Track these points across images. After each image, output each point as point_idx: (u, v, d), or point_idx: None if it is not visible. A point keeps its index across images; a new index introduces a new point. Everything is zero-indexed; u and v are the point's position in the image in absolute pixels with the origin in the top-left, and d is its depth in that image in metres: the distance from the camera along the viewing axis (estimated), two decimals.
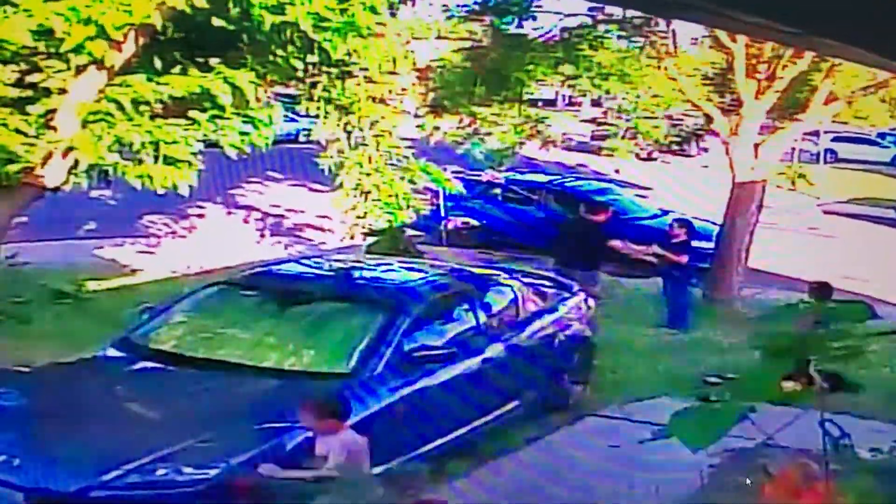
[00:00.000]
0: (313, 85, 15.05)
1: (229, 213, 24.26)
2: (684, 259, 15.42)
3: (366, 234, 16.91)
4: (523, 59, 18.33)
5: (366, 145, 16.48)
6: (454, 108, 19.52)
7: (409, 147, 18.00)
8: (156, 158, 11.37)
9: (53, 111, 11.18)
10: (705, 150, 32.88)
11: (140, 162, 11.45)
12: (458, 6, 18.99)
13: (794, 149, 31.31)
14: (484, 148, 20.40)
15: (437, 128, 20.10)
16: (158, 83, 11.37)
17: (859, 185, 35.30)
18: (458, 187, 18.29)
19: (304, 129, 24.00)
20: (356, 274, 11.28)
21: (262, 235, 22.44)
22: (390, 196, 16.47)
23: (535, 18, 18.40)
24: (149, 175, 11.46)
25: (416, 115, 20.51)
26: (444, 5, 19.28)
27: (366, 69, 14.83)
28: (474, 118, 19.58)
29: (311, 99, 15.60)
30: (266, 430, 7.99)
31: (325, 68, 14.37)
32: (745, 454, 8.58)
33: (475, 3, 18.54)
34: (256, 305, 10.09)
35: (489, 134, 19.91)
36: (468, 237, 22.26)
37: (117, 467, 7.46)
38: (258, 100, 12.30)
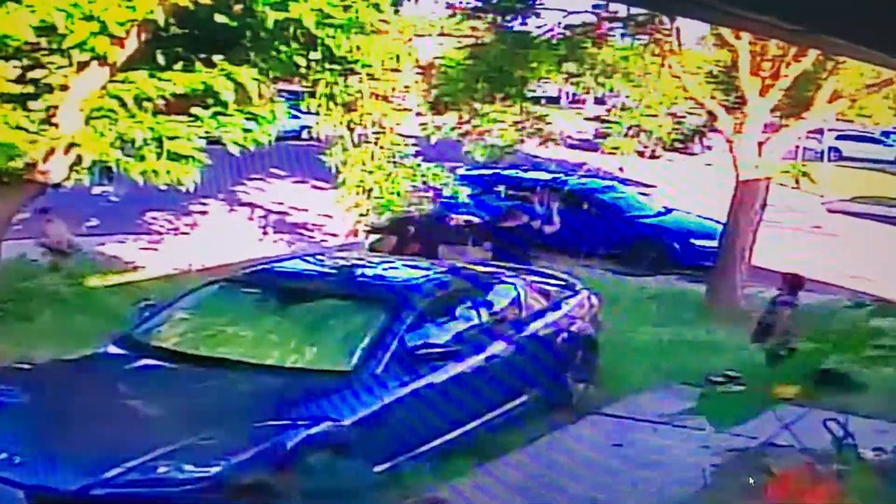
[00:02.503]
0: (315, 82, 15.05)
1: (231, 210, 24.26)
2: None
3: (368, 232, 16.91)
4: (526, 57, 18.29)
5: (368, 143, 16.49)
6: (456, 106, 19.50)
7: (414, 145, 18.01)
8: (158, 154, 11.37)
9: (55, 107, 11.18)
10: (709, 148, 32.86)
11: (143, 158, 11.45)
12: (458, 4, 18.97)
13: (797, 147, 31.27)
14: (484, 145, 20.38)
15: (438, 127, 20.09)
16: (161, 79, 11.36)
17: (863, 184, 35.24)
18: (458, 190, 18.33)
19: (306, 126, 23.98)
20: (358, 271, 11.26)
21: (265, 233, 22.44)
22: (392, 194, 16.48)
23: (538, 16, 18.37)
24: (153, 170, 11.46)
25: (419, 113, 20.52)
26: (447, 3, 19.25)
27: (369, 66, 14.83)
28: (475, 115, 19.56)
29: (313, 96, 15.61)
30: (267, 427, 7.97)
31: (327, 65, 14.36)
32: (749, 453, 8.57)
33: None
34: (258, 303, 10.07)
35: (489, 131, 19.89)
36: (471, 234, 22.21)
37: (118, 465, 7.44)
38: (261, 96, 12.29)
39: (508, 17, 18.39)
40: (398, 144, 17.31)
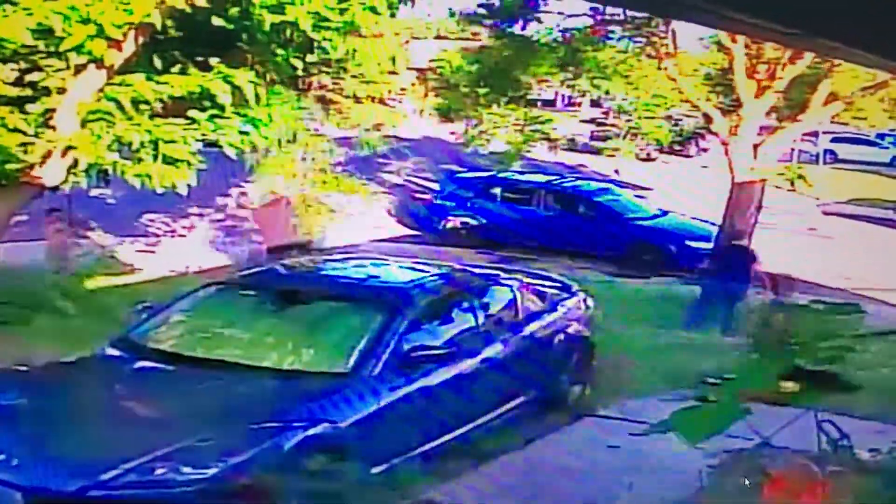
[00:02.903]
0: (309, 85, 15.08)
1: (228, 212, 24.23)
2: None
3: None
4: (528, 61, 18.32)
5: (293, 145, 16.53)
6: (463, 112, 19.55)
7: (406, 147, 18.08)
8: (155, 157, 11.37)
9: (52, 110, 11.19)
10: (705, 150, 32.92)
11: (139, 161, 11.46)
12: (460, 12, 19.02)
13: (793, 149, 31.28)
14: (490, 149, 20.42)
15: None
16: (158, 82, 11.37)
17: (858, 186, 35.26)
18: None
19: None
20: (355, 273, 11.27)
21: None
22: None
23: (539, 20, 18.39)
24: (147, 174, 11.47)
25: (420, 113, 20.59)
26: (450, 8, 19.31)
27: (359, 64, 14.85)
28: (482, 121, 19.60)
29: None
30: (264, 429, 7.98)
31: (324, 68, 14.39)
32: (745, 455, 8.58)
33: (480, 5, 18.53)
34: (255, 305, 10.08)
35: (493, 135, 19.94)
36: (467, 236, 22.27)
37: (116, 466, 7.44)
38: (258, 99, 12.29)
39: (509, 21, 18.42)
40: (325, 152, 17.38)
